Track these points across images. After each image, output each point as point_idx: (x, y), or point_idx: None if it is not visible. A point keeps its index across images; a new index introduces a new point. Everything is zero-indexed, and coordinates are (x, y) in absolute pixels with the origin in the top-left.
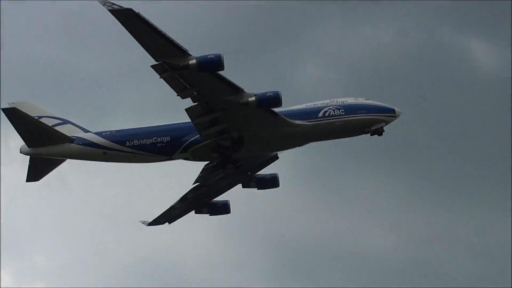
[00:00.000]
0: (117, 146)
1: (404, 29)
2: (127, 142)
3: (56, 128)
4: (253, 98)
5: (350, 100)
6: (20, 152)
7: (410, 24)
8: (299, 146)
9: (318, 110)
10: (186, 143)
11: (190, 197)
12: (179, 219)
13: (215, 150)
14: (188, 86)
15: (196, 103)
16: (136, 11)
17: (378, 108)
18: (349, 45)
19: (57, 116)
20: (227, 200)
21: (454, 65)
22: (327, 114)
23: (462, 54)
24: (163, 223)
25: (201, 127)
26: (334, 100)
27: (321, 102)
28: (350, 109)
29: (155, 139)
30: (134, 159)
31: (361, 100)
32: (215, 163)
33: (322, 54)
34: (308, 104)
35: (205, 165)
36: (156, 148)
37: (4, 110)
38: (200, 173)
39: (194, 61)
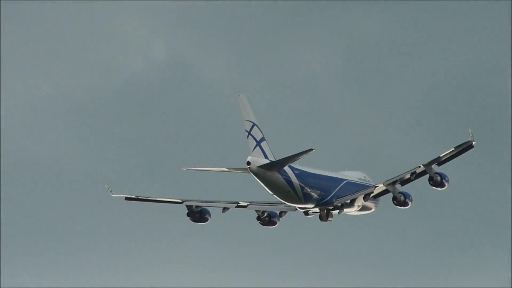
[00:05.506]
0: (298, 189)
1: None
2: (306, 188)
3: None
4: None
5: None
6: (248, 165)
7: None
8: None
9: None
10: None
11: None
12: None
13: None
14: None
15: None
16: None
17: None
18: None
19: (262, 130)
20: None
21: None
22: None
23: None
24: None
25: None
26: None
27: None
28: None
29: (316, 191)
30: (293, 201)
31: None
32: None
33: None
34: None
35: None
36: (314, 199)
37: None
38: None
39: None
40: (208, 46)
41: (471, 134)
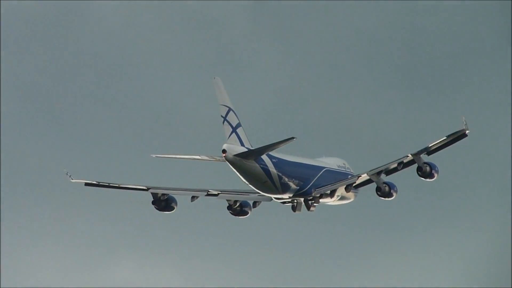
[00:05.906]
0: (275, 179)
1: None
2: (284, 177)
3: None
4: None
5: None
6: (224, 153)
7: None
8: None
9: None
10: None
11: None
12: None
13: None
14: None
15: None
16: None
17: None
18: None
19: (238, 115)
20: None
21: None
22: None
23: None
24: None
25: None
26: None
27: None
28: None
29: (294, 180)
30: (270, 191)
31: None
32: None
33: None
34: None
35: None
36: (292, 189)
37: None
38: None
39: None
40: None
41: (464, 122)
